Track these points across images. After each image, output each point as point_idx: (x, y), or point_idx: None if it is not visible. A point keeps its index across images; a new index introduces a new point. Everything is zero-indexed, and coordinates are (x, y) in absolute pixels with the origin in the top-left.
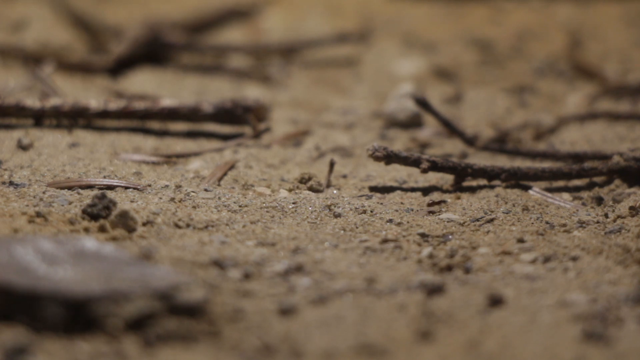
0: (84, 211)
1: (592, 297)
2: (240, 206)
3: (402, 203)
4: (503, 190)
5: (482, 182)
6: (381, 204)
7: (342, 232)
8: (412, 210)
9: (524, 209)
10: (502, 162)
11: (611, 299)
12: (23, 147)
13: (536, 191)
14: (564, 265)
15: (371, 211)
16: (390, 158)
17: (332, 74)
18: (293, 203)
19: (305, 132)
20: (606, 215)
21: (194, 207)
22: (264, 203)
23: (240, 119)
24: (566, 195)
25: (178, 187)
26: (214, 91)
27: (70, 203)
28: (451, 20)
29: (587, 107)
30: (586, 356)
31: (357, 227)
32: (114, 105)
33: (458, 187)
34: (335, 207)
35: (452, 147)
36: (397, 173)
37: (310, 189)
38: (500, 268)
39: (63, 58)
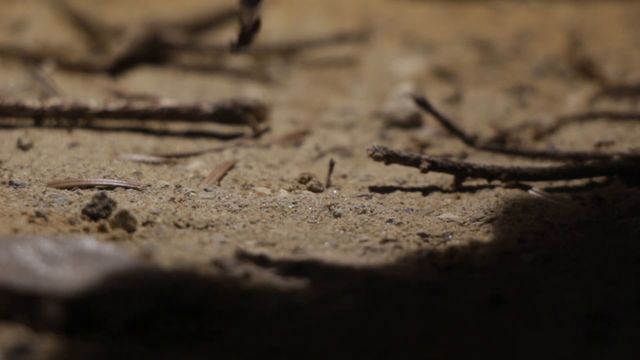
0: (84, 211)
1: (592, 297)
2: (240, 206)
3: (402, 203)
4: (503, 190)
5: (482, 182)
6: (381, 204)
7: (342, 232)
8: (412, 210)
9: (524, 209)
10: (502, 162)
11: (611, 299)
12: (23, 147)
13: (536, 191)
14: (564, 265)
15: (371, 211)
16: (390, 158)
17: (332, 74)
18: (293, 203)
19: (305, 132)
20: (606, 215)
21: (193, 207)
22: (263, 203)
23: (240, 119)
24: (566, 195)
25: (178, 187)
26: (213, 91)
27: (70, 203)
28: (451, 20)
29: (586, 107)
30: (586, 356)
31: (357, 227)
32: (114, 105)
33: (458, 187)
34: (335, 207)
35: (452, 147)
36: (397, 173)
37: (310, 189)
38: (500, 268)
39: (63, 58)
